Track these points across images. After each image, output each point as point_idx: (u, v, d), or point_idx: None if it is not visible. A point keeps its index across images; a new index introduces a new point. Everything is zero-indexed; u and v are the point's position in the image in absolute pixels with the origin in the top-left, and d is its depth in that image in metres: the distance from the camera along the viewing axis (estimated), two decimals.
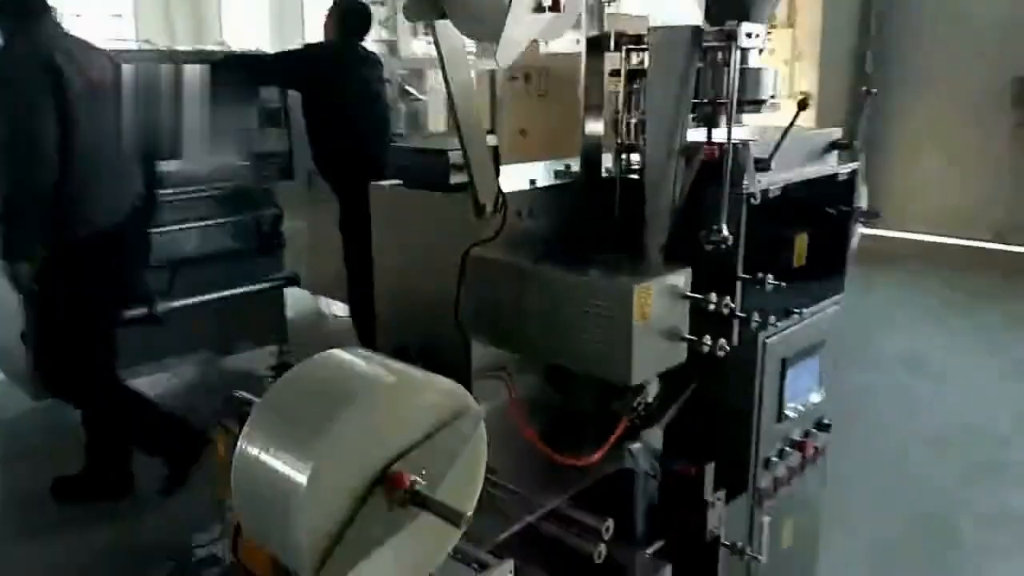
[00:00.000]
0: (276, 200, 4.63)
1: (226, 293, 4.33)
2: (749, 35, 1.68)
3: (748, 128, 2.06)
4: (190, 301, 4.10)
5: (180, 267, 4.11)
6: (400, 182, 1.93)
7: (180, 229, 4.16)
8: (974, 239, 7.14)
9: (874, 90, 1.97)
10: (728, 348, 1.66)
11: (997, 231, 7.07)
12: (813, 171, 2.02)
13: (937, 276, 6.63)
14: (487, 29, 1.37)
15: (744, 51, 1.76)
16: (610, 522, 1.61)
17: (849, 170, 2.14)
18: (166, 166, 3.87)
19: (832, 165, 2.12)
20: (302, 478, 1.13)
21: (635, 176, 1.91)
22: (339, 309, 5.17)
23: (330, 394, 1.20)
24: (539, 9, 1.32)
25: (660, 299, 1.61)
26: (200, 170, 4.20)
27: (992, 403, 4.35)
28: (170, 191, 3.99)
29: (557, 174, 2.00)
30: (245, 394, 1.59)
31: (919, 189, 7.26)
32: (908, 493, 3.44)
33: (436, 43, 1.51)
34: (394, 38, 6.41)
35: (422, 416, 1.26)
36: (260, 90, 4.28)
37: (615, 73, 1.92)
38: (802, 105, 1.76)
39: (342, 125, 3.62)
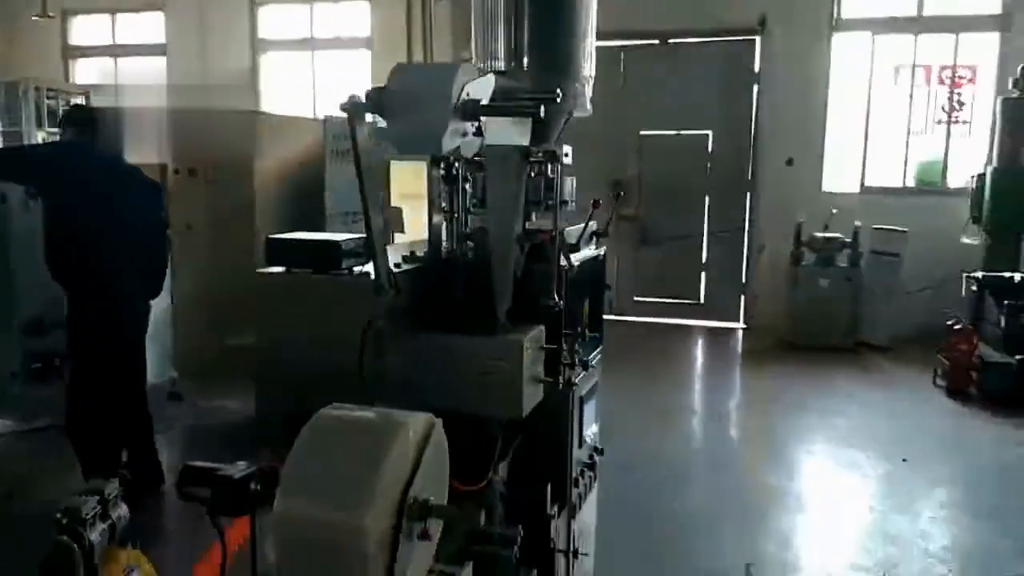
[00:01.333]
0: None
1: None
2: (566, 154, 2.28)
3: None
4: None
5: None
6: (284, 269, 2.13)
7: None
8: None
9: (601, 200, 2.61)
10: (575, 384, 2.19)
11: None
12: (591, 253, 2.69)
13: None
14: (418, 140, 1.73)
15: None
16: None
17: (603, 252, 2.86)
18: None
19: (594, 249, 2.82)
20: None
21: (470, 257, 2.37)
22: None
23: (369, 436, 1.45)
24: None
25: (530, 350, 2.09)
26: None
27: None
28: None
29: (405, 259, 2.36)
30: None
31: None
32: None
33: (353, 134, 1.78)
34: None
35: (411, 444, 1.56)
36: None
37: (446, 179, 2.38)
38: (595, 204, 2.42)
39: (82, 223, 3.47)
